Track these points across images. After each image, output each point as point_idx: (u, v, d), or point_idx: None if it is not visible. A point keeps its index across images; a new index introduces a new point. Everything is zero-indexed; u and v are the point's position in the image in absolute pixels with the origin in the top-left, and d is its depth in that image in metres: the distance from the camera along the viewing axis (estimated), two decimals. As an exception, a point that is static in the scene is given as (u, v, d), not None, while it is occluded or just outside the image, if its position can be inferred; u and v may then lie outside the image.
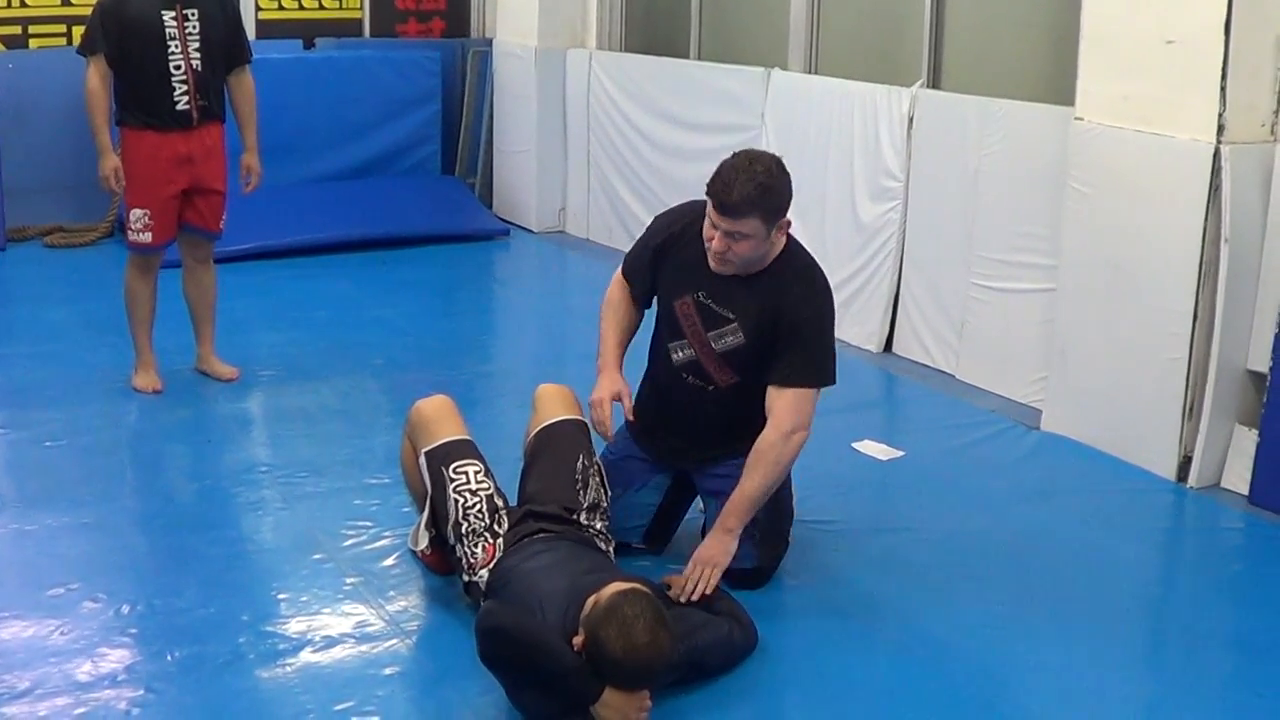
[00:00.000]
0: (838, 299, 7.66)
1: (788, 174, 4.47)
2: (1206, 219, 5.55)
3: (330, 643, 4.34)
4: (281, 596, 4.65)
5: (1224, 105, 5.47)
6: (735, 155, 4.43)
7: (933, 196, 7.29)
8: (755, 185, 4.32)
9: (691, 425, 4.76)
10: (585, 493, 4.52)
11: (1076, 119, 6.08)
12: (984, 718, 4.03)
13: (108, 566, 4.85)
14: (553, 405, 4.75)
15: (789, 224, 4.51)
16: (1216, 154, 5.49)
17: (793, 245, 4.61)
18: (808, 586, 4.78)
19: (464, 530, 4.35)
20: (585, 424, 4.71)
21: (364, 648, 4.33)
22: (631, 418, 4.76)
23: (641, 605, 3.74)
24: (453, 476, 4.43)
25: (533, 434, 4.72)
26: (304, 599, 4.63)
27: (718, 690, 4.10)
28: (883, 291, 7.59)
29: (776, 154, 4.55)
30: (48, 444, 6.02)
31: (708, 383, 4.65)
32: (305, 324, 8.06)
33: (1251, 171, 5.51)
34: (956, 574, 4.88)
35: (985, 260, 6.95)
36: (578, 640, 3.79)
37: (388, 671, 4.20)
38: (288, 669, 4.20)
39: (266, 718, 3.97)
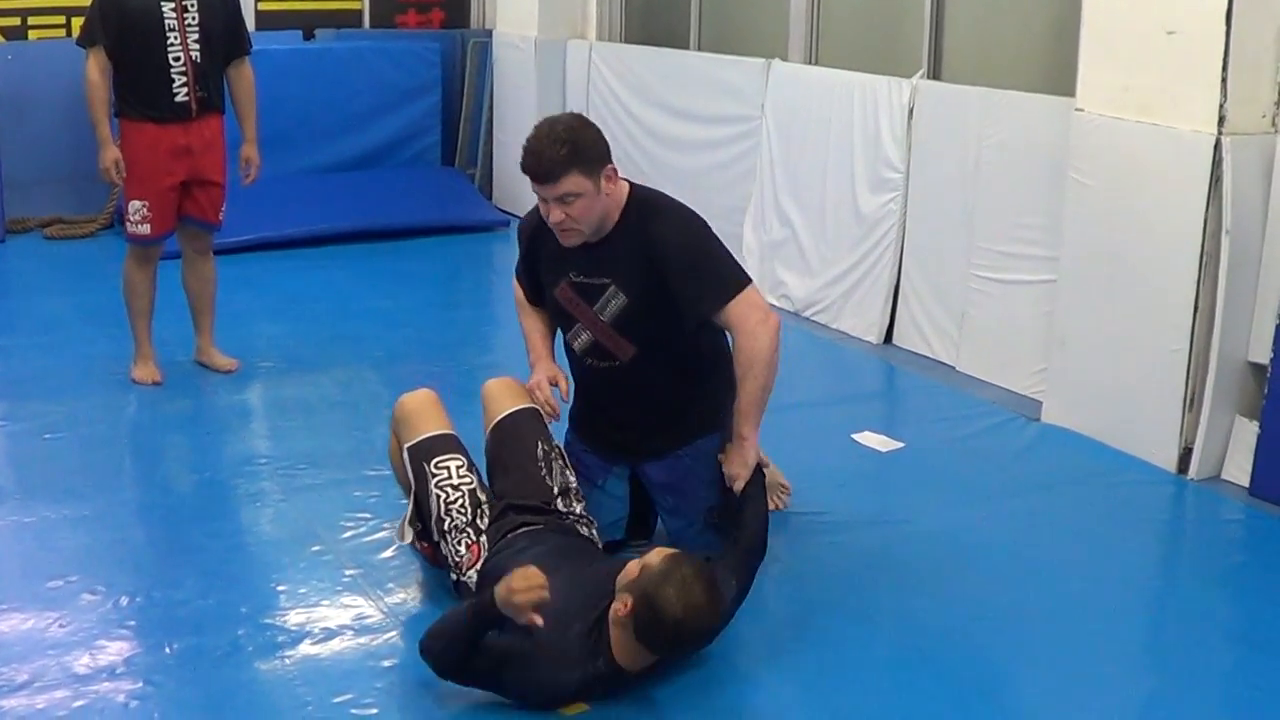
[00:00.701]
0: (839, 290, 7.80)
1: (593, 125, 4.48)
2: (1207, 210, 5.53)
3: (329, 635, 4.34)
4: (280, 588, 4.65)
5: (1225, 96, 5.46)
6: (536, 126, 4.43)
7: (933, 188, 7.28)
8: (559, 143, 4.30)
9: (618, 414, 4.77)
10: (551, 477, 4.51)
11: (1077, 110, 6.07)
12: (983, 710, 4.03)
13: (106, 559, 4.85)
14: (502, 399, 4.71)
15: (614, 170, 4.45)
16: (1217, 145, 5.48)
17: (638, 191, 4.59)
18: (805, 578, 4.77)
19: (447, 526, 4.35)
20: (537, 410, 4.69)
21: (363, 640, 4.33)
22: (567, 398, 4.81)
23: (696, 566, 3.81)
24: (434, 471, 4.43)
25: (488, 431, 4.68)
26: (303, 591, 4.63)
27: (712, 679, 4.10)
28: (883, 283, 7.58)
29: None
30: (47, 436, 6.02)
31: (611, 360, 4.62)
32: (305, 315, 8.06)
33: (1252, 163, 5.50)
34: (955, 566, 4.87)
35: (986, 251, 6.94)
36: (621, 606, 3.80)
37: (386, 664, 4.20)
38: (286, 661, 4.19)
39: (265, 710, 3.96)
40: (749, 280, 4.54)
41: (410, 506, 4.51)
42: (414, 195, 10.38)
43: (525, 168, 4.37)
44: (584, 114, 4.52)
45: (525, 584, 3.74)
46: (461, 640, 3.85)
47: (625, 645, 3.83)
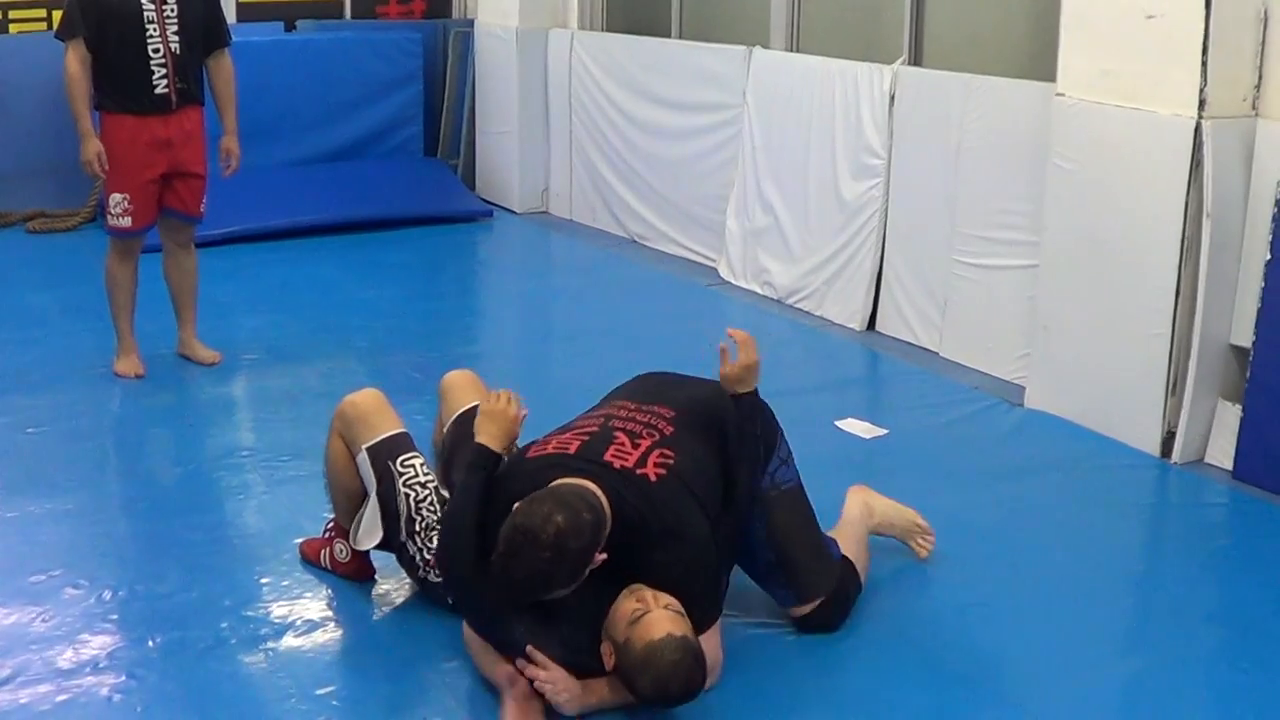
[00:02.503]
0: (821, 276, 7.81)
1: (578, 532, 3.65)
2: (1188, 194, 5.54)
3: (312, 627, 4.34)
4: (264, 581, 4.64)
5: (1205, 80, 5.46)
6: (513, 534, 3.65)
7: (915, 174, 7.28)
8: (535, 577, 3.66)
9: None
10: None
11: (1058, 95, 6.07)
12: (968, 695, 4.03)
13: (89, 552, 4.84)
14: (463, 393, 4.65)
15: (600, 558, 3.74)
16: (1198, 129, 5.48)
17: (627, 517, 3.85)
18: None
19: (418, 526, 4.27)
20: None
21: (345, 632, 4.34)
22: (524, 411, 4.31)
23: (675, 657, 3.64)
24: (401, 470, 4.33)
25: (448, 424, 4.60)
26: (286, 583, 4.62)
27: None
28: (865, 269, 7.58)
29: (565, 498, 3.72)
30: (30, 430, 6.00)
31: None
32: (288, 307, 8.05)
33: (1233, 146, 5.51)
34: (940, 551, 4.86)
35: (968, 237, 6.94)
36: (606, 653, 3.77)
37: (369, 655, 4.20)
38: (270, 653, 4.19)
39: (248, 702, 3.95)
40: (718, 614, 4.02)
41: (372, 508, 4.36)
42: (396, 186, 10.36)
43: (503, 590, 3.74)
44: (566, 500, 3.70)
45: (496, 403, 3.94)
46: (470, 515, 3.87)
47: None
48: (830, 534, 4.44)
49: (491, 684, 3.91)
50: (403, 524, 4.29)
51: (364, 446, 4.37)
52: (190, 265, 6.83)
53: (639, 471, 3.94)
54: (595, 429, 4.13)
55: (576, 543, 3.64)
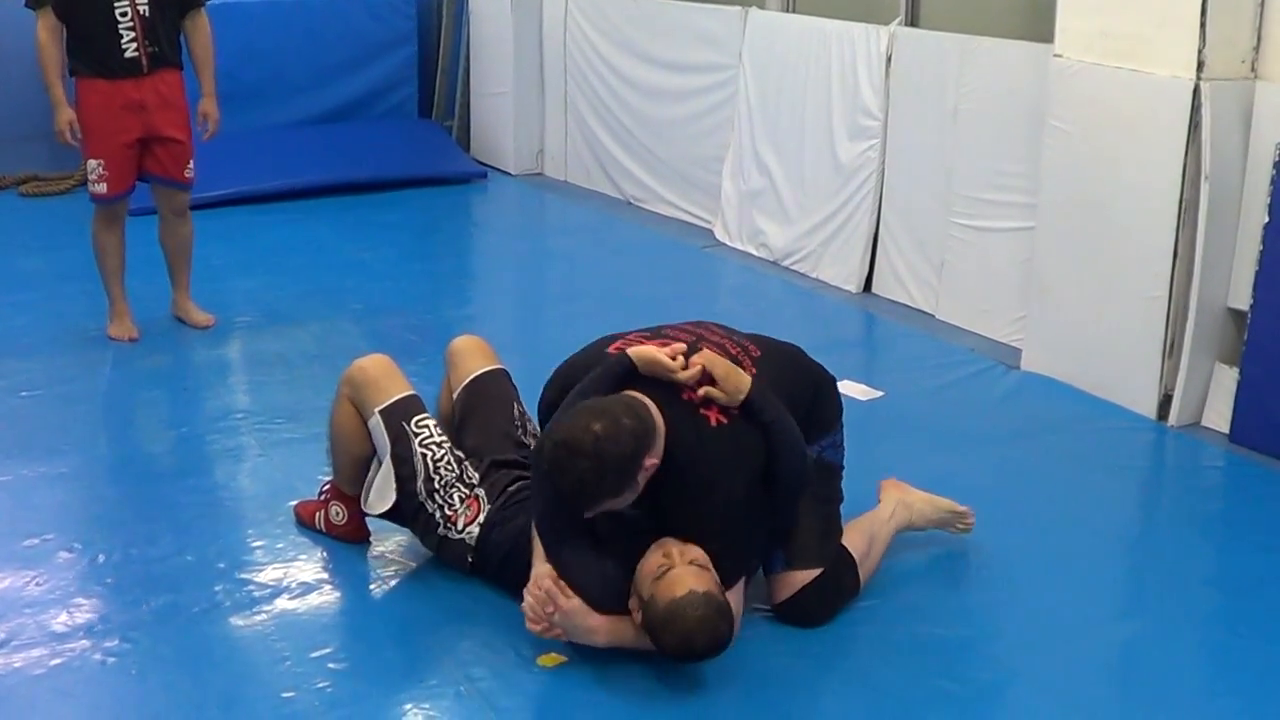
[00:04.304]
0: (817, 239, 7.78)
1: (618, 439, 3.69)
2: (1186, 156, 5.52)
3: (306, 589, 4.33)
4: (258, 544, 4.63)
5: (1203, 41, 5.43)
6: (555, 448, 3.73)
7: (911, 135, 7.25)
8: (581, 486, 3.73)
9: None
10: (526, 437, 4.47)
11: (1055, 56, 6.04)
12: (963, 659, 4.02)
13: (83, 516, 4.84)
14: (472, 358, 4.64)
15: (653, 464, 3.79)
16: (1196, 90, 5.46)
17: (676, 454, 3.86)
18: (787, 529, 4.75)
19: (437, 484, 4.28)
20: (507, 372, 4.64)
21: (340, 594, 4.33)
22: None
23: (700, 612, 3.67)
24: (416, 430, 4.33)
25: (459, 390, 4.59)
26: (280, 546, 4.61)
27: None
28: (862, 231, 7.56)
29: (608, 409, 3.77)
30: (23, 394, 5.99)
31: None
32: (282, 269, 8.03)
33: (1231, 108, 5.48)
34: (936, 515, 4.86)
35: (964, 199, 6.91)
36: (634, 607, 3.82)
37: (364, 618, 4.21)
38: (264, 616, 4.19)
39: (243, 665, 3.95)
40: (744, 573, 4.02)
41: (385, 472, 4.35)
42: (391, 147, 10.32)
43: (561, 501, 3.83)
44: (608, 411, 3.76)
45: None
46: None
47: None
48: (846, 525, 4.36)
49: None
50: (420, 483, 4.29)
51: (376, 409, 4.36)
52: (185, 232, 6.80)
53: (702, 412, 3.91)
54: (686, 341, 4.07)
55: (616, 448, 3.67)
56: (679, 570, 3.74)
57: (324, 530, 4.64)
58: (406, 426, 4.34)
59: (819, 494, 4.23)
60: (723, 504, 3.88)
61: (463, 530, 4.25)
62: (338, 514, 4.59)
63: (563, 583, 3.86)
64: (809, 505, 4.18)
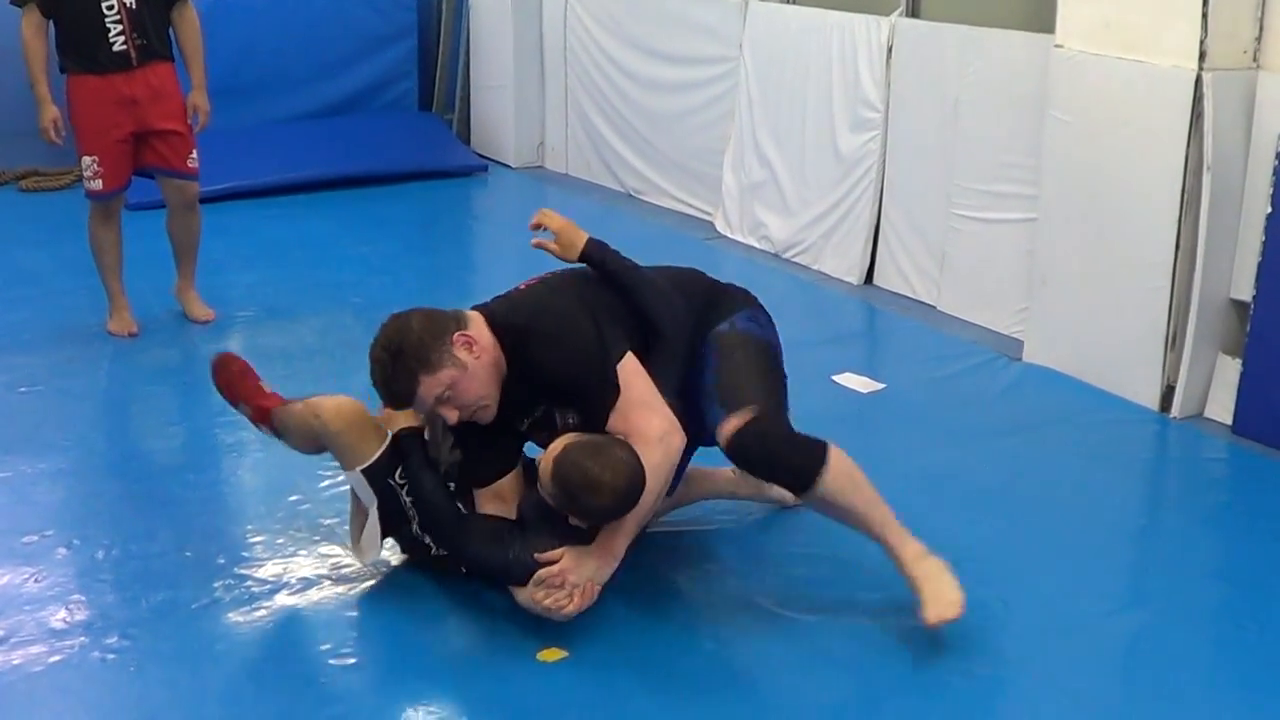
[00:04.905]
0: (819, 230, 7.77)
1: (408, 321, 3.97)
2: (1188, 147, 5.50)
3: (307, 585, 4.32)
4: (257, 539, 4.62)
5: (1205, 31, 5.41)
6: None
7: (912, 127, 7.23)
8: (386, 368, 3.92)
9: None
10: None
11: (1057, 46, 6.02)
12: (967, 652, 4.00)
13: (82, 512, 4.83)
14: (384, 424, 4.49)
15: (465, 336, 3.97)
16: (1198, 81, 5.44)
17: (501, 324, 4.08)
18: (785, 521, 4.75)
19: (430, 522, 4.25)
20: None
21: (340, 590, 4.31)
22: None
23: (560, 448, 3.88)
24: (401, 483, 4.20)
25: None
26: (280, 541, 4.60)
27: (694, 623, 4.08)
28: (863, 223, 7.54)
29: (397, 313, 4.06)
30: (22, 389, 5.98)
31: None
32: (282, 263, 8.01)
33: (1233, 99, 5.46)
34: (938, 507, 4.85)
35: (966, 190, 6.90)
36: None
37: (364, 613, 4.18)
38: (264, 612, 4.17)
39: (242, 662, 3.95)
40: (619, 378, 4.00)
41: (373, 524, 4.24)
42: (391, 141, 10.31)
43: (384, 402, 4.11)
44: (398, 313, 4.04)
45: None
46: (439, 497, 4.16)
47: None
48: None
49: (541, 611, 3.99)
50: (415, 526, 4.24)
51: (358, 469, 4.23)
52: (194, 224, 6.79)
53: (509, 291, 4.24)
54: None
55: (406, 327, 3.94)
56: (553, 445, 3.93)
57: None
58: (392, 483, 4.21)
59: (745, 355, 4.20)
60: (582, 348, 3.99)
61: None
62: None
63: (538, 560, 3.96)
64: (739, 364, 4.17)
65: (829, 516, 4.13)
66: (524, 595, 3.99)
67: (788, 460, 4.05)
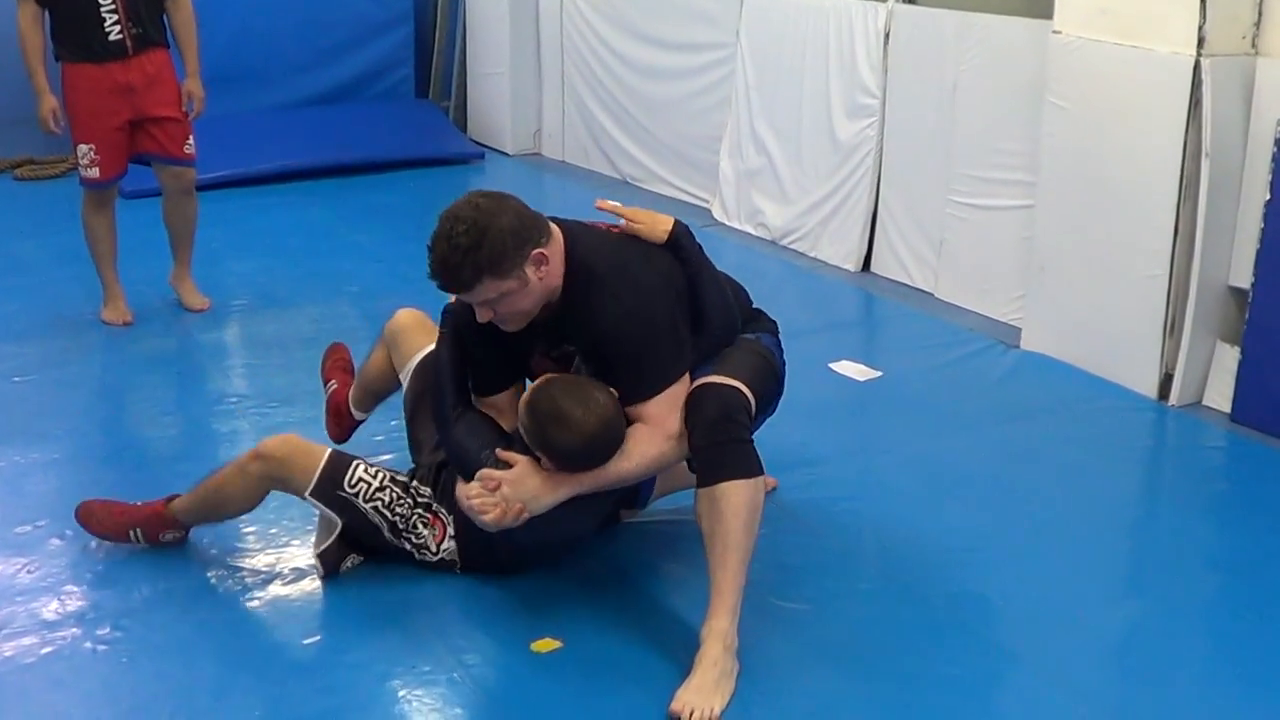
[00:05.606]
0: (816, 217, 7.74)
1: (504, 209, 3.79)
2: (1187, 133, 5.48)
3: (299, 575, 4.30)
4: (250, 530, 4.58)
5: (1204, 17, 5.39)
6: (439, 220, 3.81)
7: (910, 113, 7.21)
8: (461, 251, 3.70)
9: None
10: None
11: (1055, 32, 5.99)
12: (964, 640, 4.00)
13: (76, 502, 4.77)
14: (415, 336, 4.53)
15: (542, 254, 3.80)
16: (1197, 67, 5.42)
17: (579, 255, 3.94)
18: (782, 507, 4.73)
19: (400, 526, 4.20)
20: None
21: (333, 581, 4.28)
22: None
23: (543, 383, 3.92)
24: (353, 489, 4.15)
25: (405, 372, 4.49)
26: (273, 531, 4.57)
27: (692, 614, 4.06)
28: (860, 210, 7.52)
29: (493, 193, 3.90)
30: (16, 379, 5.96)
31: None
32: (278, 252, 7.99)
33: (1232, 85, 5.44)
34: (935, 495, 4.84)
35: (964, 177, 6.87)
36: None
37: (357, 604, 4.16)
38: (257, 603, 4.16)
39: (235, 653, 3.93)
40: (679, 375, 3.95)
41: (331, 540, 4.22)
42: (388, 129, 10.27)
43: (433, 278, 3.81)
44: (494, 194, 3.88)
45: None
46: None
47: None
48: None
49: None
50: (387, 533, 4.20)
51: (306, 494, 4.18)
52: (191, 211, 6.77)
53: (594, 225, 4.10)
54: None
55: (496, 222, 3.72)
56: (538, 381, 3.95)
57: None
58: (343, 495, 4.17)
59: (746, 356, 4.14)
60: (631, 309, 3.88)
61: (440, 551, 4.21)
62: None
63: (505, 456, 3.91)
64: (741, 354, 4.13)
65: (700, 527, 3.91)
66: (461, 488, 3.93)
67: (732, 436, 3.89)
